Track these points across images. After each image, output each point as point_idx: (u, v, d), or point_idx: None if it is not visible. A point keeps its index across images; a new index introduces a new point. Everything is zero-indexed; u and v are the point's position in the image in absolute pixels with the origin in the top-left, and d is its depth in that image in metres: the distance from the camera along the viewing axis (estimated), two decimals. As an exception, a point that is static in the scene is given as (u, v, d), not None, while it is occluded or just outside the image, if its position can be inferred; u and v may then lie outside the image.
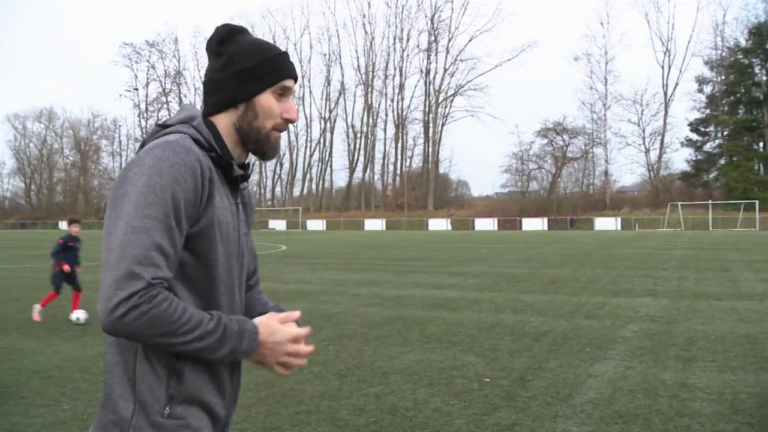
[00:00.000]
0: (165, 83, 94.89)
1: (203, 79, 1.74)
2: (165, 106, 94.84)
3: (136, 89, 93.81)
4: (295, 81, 1.72)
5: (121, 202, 1.43)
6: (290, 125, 1.74)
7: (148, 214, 1.41)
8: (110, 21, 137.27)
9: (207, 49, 1.70)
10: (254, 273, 1.92)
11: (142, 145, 1.59)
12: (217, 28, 1.69)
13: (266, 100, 1.64)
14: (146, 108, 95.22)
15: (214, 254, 1.55)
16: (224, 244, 1.58)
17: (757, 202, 58.33)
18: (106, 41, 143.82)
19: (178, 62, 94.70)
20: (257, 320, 1.57)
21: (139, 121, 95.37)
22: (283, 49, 1.70)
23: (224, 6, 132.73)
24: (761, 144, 69.55)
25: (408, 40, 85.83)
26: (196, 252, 1.53)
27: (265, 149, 1.68)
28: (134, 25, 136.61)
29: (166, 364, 1.50)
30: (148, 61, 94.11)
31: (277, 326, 1.58)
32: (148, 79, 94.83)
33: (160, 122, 1.64)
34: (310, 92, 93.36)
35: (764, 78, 69.02)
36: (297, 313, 1.66)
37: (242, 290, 1.72)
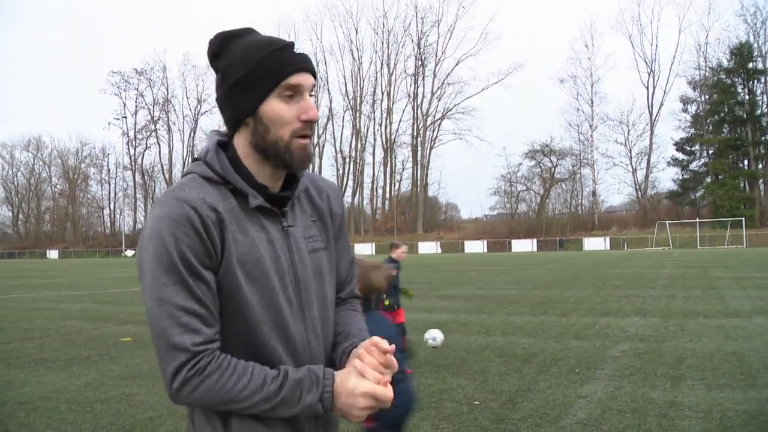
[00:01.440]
0: (153, 111, 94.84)
1: None
2: (153, 134, 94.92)
3: (125, 117, 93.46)
4: (309, 72, 1.48)
5: (142, 277, 1.40)
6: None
7: (164, 282, 1.36)
8: (98, 49, 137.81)
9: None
10: (344, 287, 1.75)
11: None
12: (210, 41, 1.51)
13: (271, 107, 1.44)
14: (135, 136, 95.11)
15: (241, 297, 1.43)
16: (256, 282, 1.45)
17: (743, 219, 58.82)
18: (94, 69, 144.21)
19: (167, 90, 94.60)
20: (337, 372, 1.45)
21: (128, 149, 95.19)
22: (287, 40, 1.48)
23: (212, 32, 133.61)
24: (746, 162, 70.20)
25: (395, 65, 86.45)
26: (225, 299, 1.43)
27: (291, 161, 1.48)
28: (122, 53, 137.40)
29: (218, 413, 1.45)
30: (137, 89, 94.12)
31: (352, 377, 1.42)
32: (136, 107, 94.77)
33: (196, 156, 1.54)
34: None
35: (747, 97, 69.87)
36: (385, 357, 1.46)
37: (313, 321, 1.56)
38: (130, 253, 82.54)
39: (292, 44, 1.48)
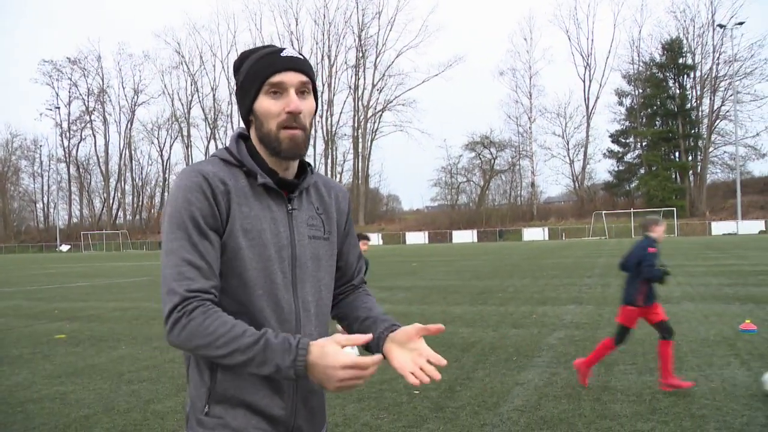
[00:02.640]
0: (88, 102, 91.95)
1: None
2: (88, 125, 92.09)
3: (58, 108, 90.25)
4: (294, 71, 1.67)
5: (162, 231, 1.63)
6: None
7: (173, 237, 1.58)
8: (28, 36, 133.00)
9: None
10: (354, 275, 1.99)
11: None
12: (235, 60, 1.77)
13: (260, 104, 1.67)
14: (69, 127, 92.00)
15: (240, 260, 1.63)
16: (255, 249, 1.64)
17: (674, 209, 60.75)
18: (24, 57, 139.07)
19: (102, 80, 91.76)
20: (315, 342, 1.53)
21: (62, 140, 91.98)
22: (280, 46, 1.72)
23: (149, 22, 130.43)
24: (677, 154, 72.48)
25: (336, 56, 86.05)
26: (226, 260, 1.63)
27: (279, 149, 1.68)
28: (54, 41, 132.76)
29: (207, 365, 1.64)
30: (70, 79, 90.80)
31: (331, 350, 1.51)
32: (70, 97, 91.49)
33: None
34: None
35: (677, 91, 72.08)
36: (365, 337, 1.61)
37: (304, 296, 1.72)
38: (65, 248, 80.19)
39: (282, 49, 1.70)
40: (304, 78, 1.69)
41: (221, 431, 1.61)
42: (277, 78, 1.66)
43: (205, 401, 1.63)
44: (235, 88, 1.77)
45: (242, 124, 1.83)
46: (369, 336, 1.63)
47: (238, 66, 1.75)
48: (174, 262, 1.56)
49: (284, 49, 1.70)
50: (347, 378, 1.49)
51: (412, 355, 1.69)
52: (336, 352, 1.51)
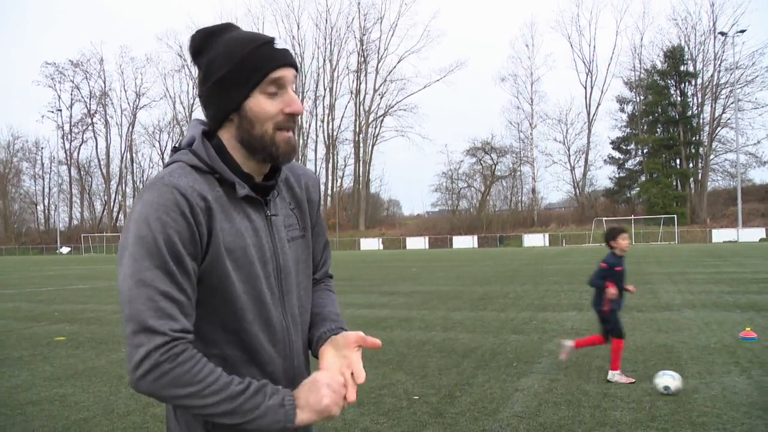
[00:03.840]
0: (90, 104, 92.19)
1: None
2: (90, 127, 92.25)
3: (60, 110, 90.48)
4: (291, 66, 1.50)
5: (123, 255, 1.38)
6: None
7: (146, 265, 1.34)
8: (31, 39, 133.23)
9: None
10: (318, 268, 1.82)
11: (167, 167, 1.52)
12: (192, 36, 1.51)
13: (255, 103, 1.46)
14: (70, 129, 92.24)
15: (229, 286, 1.45)
16: (242, 270, 1.48)
17: (675, 216, 60.84)
18: (27, 60, 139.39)
19: (104, 82, 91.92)
20: (298, 388, 1.45)
21: (63, 142, 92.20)
22: (268, 36, 1.51)
23: (152, 26, 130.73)
24: (678, 161, 72.53)
25: (338, 61, 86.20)
26: (212, 287, 1.45)
27: (276, 154, 1.50)
28: (57, 44, 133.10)
29: (201, 421, 1.47)
30: (72, 81, 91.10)
31: (316, 387, 1.43)
32: (72, 99, 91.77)
33: (175, 144, 1.56)
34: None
35: (679, 98, 72.16)
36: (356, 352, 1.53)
37: (292, 309, 1.61)
38: (65, 250, 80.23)
39: (273, 39, 1.50)
40: (295, 73, 1.52)
41: None
42: (277, 73, 1.47)
43: None
44: (201, 76, 1.51)
45: (201, 117, 1.60)
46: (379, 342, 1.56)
47: (200, 48, 1.51)
48: (148, 294, 1.33)
49: (273, 38, 1.50)
50: (331, 404, 1.42)
51: (340, 363, 1.52)
52: (320, 389, 1.43)
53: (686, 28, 72.22)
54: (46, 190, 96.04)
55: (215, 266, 1.44)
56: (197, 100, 1.62)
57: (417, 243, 68.95)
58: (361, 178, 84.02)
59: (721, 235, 57.21)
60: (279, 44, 1.50)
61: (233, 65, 1.45)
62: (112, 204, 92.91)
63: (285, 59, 1.49)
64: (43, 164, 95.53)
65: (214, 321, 1.47)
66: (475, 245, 66.60)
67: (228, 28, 1.53)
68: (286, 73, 1.49)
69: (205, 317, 1.46)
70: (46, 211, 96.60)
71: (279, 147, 1.50)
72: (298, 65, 1.55)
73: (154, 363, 1.32)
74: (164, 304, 1.34)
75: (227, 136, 1.52)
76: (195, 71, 1.61)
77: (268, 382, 1.44)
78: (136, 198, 1.44)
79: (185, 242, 1.38)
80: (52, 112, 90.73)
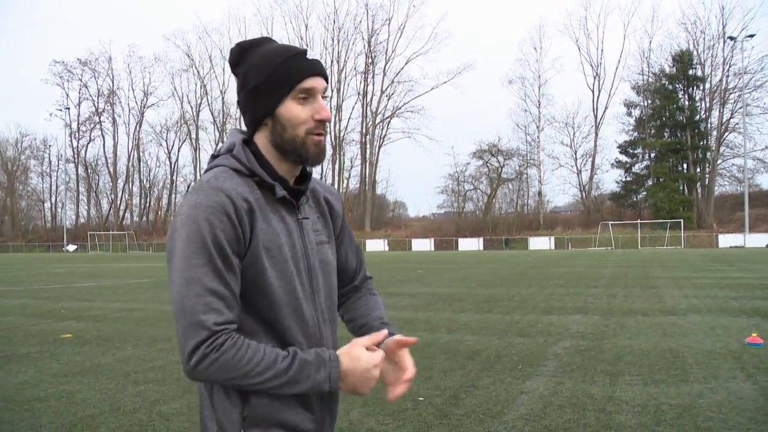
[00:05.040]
0: (98, 103, 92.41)
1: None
2: (98, 126, 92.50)
3: (68, 108, 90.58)
4: (321, 77, 1.64)
5: (172, 258, 1.52)
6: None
7: (195, 263, 1.48)
8: (40, 37, 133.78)
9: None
10: (356, 274, 1.97)
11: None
12: (231, 49, 1.68)
13: (288, 108, 1.61)
14: (78, 128, 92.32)
15: (266, 280, 1.58)
16: (277, 267, 1.60)
17: (681, 221, 60.69)
18: (35, 58, 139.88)
19: (112, 81, 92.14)
20: (341, 350, 1.60)
21: (71, 141, 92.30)
22: (301, 48, 1.65)
23: (160, 25, 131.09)
24: (685, 165, 72.37)
25: (345, 62, 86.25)
26: (251, 281, 1.57)
27: (307, 156, 1.64)
28: (65, 43, 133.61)
29: (238, 390, 1.58)
30: (81, 80, 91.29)
31: (360, 353, 1.59)
32: (80, 98, 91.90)
33: (213, 152, 1.70)
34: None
35: (687, 103, 71.99)
36: (382, 334, 1.67)
37: (321, 306, 1.73)
38: (71, 247, 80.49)
39: (305, 51, 1.64)
40: (325, 84, 1.66)
41: None
42: (308, 83, 1.61)
43: (239, 426, 1.59)
44: (239, 84, 1.67)
45: (241, 126, 1.74)
46: (384, 332, 1.68)
47: (236, 60, 1.67)
48: (197, 291, 1.47)
49: (305, 50, 1.65)
50: (376, 377, 1.59)
51: (393, 367, 1.73)
52: (365, 354, 1.58)
53: (695, 33, 72.11)
54: (54, 187, 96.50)
55: (254, 262, 1.57)
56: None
57: (422, 245, 68.91)
58: (367, 180, 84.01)
59: (727, 240, 56.99)
60: (310, 56, 1.64)
61: (268, 74, 1.60)
62: (118, 202, 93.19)
63: (315, 69, 1.63)
64: (50, 162, 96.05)
65: (251, 313, 1.60)
66: (481, 248, 66.52)
67: (265, 41, 1.68)
68: (317, 83, 1.62)
69: (244, 310, 1.58)
70: (53, 209, 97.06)
71: (309, 149, 1.63)
72: (328, 76, 1.70)
73: (202, 355, 1.46)
74: (210, 299, 1.48)
75: (262, 140, 1.66)
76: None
77: (313, 351, 1.57)
78: (182, 201, 1.57)
79: (230, 241, 1.52)
80: (60, 110, 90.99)
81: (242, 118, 1.70)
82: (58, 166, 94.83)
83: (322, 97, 1.65)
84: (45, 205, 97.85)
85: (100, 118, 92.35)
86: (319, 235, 1.77)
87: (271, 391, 1.54)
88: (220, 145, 1.71)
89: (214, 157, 1.69)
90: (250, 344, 1.51)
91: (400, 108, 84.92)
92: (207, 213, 1.50)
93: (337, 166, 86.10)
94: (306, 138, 1.62)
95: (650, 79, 74.46)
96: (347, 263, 1.94)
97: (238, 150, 1.64)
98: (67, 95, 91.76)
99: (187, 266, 1.48)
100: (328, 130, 1.75)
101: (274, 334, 1.61)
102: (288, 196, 1.67)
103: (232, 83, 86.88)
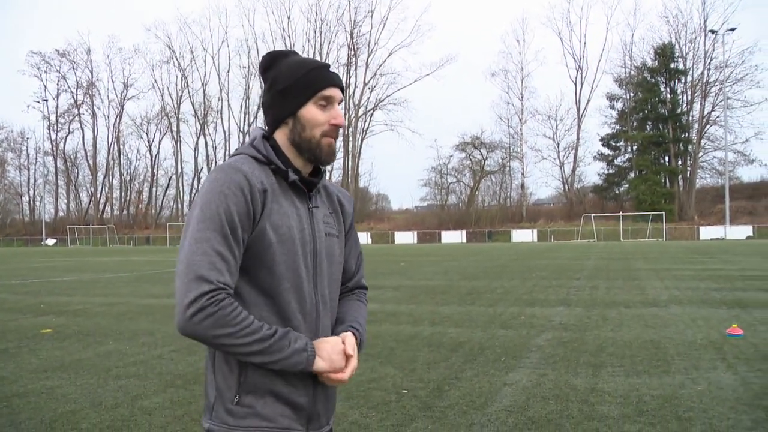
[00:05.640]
0: (77, 94, 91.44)
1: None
2: (77, 118, 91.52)
3: (46, 100, 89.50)
4: (339, 88, 1.86)
5: (189, 223, 1.69)
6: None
7: (206, 227, 1.64)
8: (16, 27, 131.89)
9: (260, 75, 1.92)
10: (352, 277, 2.08)
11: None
12: (263, 57, 1.90)
13: (309, 111, 1.81)
14: (57, 120, 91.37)
15: (271, 254, 1.73)
16: (284, 245, 1.75)
17: (663, 213, 61.19)
18: (11, 49, 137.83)
19: (91, 73, 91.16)
20: (321, 341, 1.80)
21: (49, 133, 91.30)
22: (324, 62, 1.86)
23: (139, 16, 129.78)
24: (667, 158, 72.92)
25: (328, 54, 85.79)
26: (257, 254, 1.72)
27: (320, 155, 1.84)
28: (43, 33, 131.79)
29: (234, 372, 1.74)
30: (59, 71, 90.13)
31: (330, 338, 1.83)
32: (58, 89, 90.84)
33: (236, 148, 1.89)
34: (229, 106, 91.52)
35: (668, 96, 72.50)
36: (343, 335, 1.87)
37: (323, 290, 1.87)
38: (50, 242, 79.68)
39: (329, 65, 1.87)
40: (341, 95, 1.88)
41: (252, 419, 1.73)
42: (329, 92, 1.82)
43: (236, 391, 1.73)
44: (267, 86, 1.86)
45: (260, 124, 1.92)
46: (346, 333, 1.88)
47: (268, 65, 1.88)
48: (204, 249, 1.62)
49: (329, 64, 1.87)
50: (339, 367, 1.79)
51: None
52: (333, 337, 1.83)
53: (677, 26, 72.65)
54: (32, 181, 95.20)
55: (261, 236, 1.72)
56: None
57: (405, 237, 69.02)
58: (350, 172, 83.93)
59: (708, 233, 57.58)
60: (333, 70, 1.86)
61: (295, 80, 1.81)
62: (98, 196, 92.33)
63: (336, 81, 1.85)
64: (28, 155, 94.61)
65: (254, 284, 1.74)
66: (464, 240, 66.73)
67: (293, 53, 1.91)
68: (336, 93, 1.85)
69: (248, 282, 1.73)
70: (32, 203, 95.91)
71: (323, 150, 1.84)
72: (344, 88, 1.99)
73: (201, 306, 1.59)
74: (215, 259, 1.63)
75: (282, 138, 1.86)
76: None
77: (291, 329, 1.73)
78: (205, 179, 1.75)
79: (241, 215, 1.68)
80: (38, 102, 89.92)
81: (264, 116, 1.89)
82: (36, 158, 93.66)
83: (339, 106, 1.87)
84: (23, 198, 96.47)
85: (79, 110, 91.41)
86: (329, 228, 1.92)
87: (254, 359, 1.66)
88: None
89: (237, 153, 1.86)
90: (243, 310, 1.66)
91: (383, 100, 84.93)
92: (223, 187, 1.67)
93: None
94: (321, 139, 1.82)
95: (632, 72, 74.89)
96: (347, 264, 2.05)
97: (258, 142, 1.83)
98: (45, 87, 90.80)
99: (199, 229, 1.65)
100: (340, 134, 1.88)
101: (275, 308, 1.75)
102: (300, 183, 1.83)
103: (213, 76, 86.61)
